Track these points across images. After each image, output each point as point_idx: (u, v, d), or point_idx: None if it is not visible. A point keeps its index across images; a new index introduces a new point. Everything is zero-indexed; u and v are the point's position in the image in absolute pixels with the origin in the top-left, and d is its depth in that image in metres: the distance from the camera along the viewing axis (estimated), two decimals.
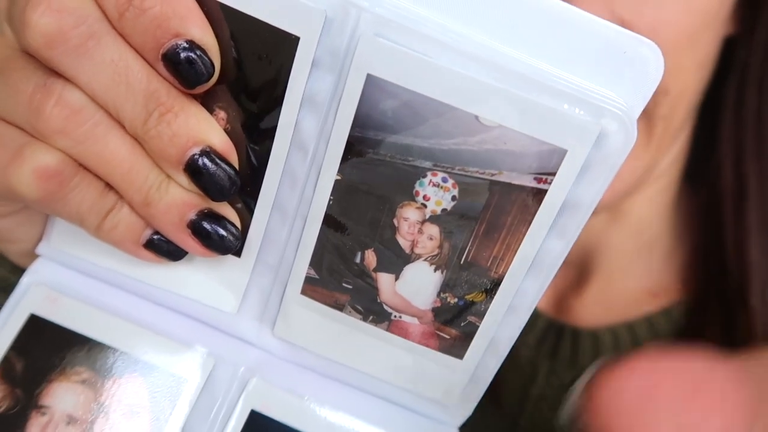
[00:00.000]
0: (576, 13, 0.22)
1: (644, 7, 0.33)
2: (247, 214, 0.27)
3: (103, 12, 0.22)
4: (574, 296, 0.44)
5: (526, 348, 0.39)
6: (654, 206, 0.43)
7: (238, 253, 0.27)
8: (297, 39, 0.23)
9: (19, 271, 0.29)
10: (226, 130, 0.25)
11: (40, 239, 0.29)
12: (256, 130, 0.25)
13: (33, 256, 0.29)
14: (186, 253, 0.27)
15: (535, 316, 0.40)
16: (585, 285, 0.44)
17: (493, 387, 0.28)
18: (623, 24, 0.31)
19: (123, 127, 0.24)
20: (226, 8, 0.23)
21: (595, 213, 0.24)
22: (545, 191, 0.23)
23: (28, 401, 0.27)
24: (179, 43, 0.22)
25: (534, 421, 0.38)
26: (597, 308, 0.43)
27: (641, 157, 0.36)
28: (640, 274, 0.44)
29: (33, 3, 0.22)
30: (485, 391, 0.28)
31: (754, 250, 0.38)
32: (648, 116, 0.22)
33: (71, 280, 0.28)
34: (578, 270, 0.44)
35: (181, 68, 0.23)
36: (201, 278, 0.28)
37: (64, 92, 0.23)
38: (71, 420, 0.27)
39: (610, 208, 0.41)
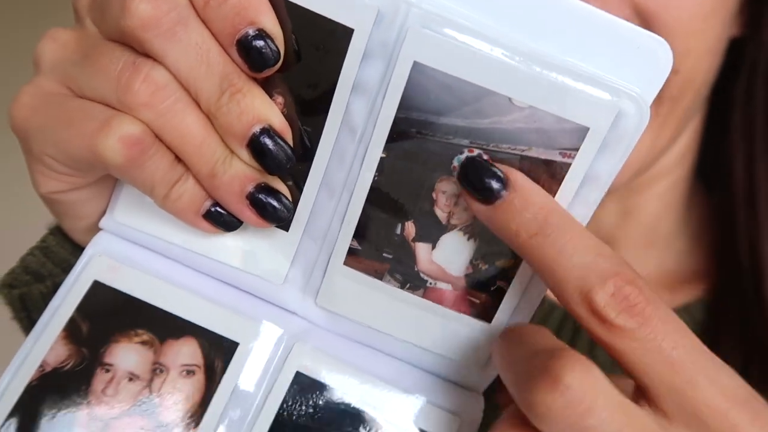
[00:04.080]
0: (597, 14, 0.25)
1: None
2: (296, 190, 0.29)
3: (190, 1, 0.26)
4: None
5: None
6: (664, 203, 0.45)
7: (286, 227, 0.30)
8: (351, 31, 0.26)
9: (79, 253, 0.31)
10: (282, 113, 0.28)
11: (102, 216, 0.31)
12: (309, 114, 0.28)
13: (94, 232, 0.31)
14: (239, 224, 0.29)
15: (552, 307, 0.41)
16: None
17: None
18: (636, 5, 0.33)
19: (198, 105, 0.27)
20: (289, 3, 0.26)
21: (607, 201, 0.26)
22: (569, 165, 0.26)
23: (93, 359, 0.29)
24: (251, 31, 0.26)
25: None
26: None
27: (649, 136, 0.38)
28: (653, 269, 0.45)
29: None
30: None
31: (767, 247, 0.39)
32: (657, 96, 0.25)
33: (130, 251, 0.31)
34: None
35: (252, 53, 0.26)
36: (251, 251, 0.31)
37: (152, 71, 0.26)
38: (132, 377, 0.29)
39: (623, 188, 0.42)
